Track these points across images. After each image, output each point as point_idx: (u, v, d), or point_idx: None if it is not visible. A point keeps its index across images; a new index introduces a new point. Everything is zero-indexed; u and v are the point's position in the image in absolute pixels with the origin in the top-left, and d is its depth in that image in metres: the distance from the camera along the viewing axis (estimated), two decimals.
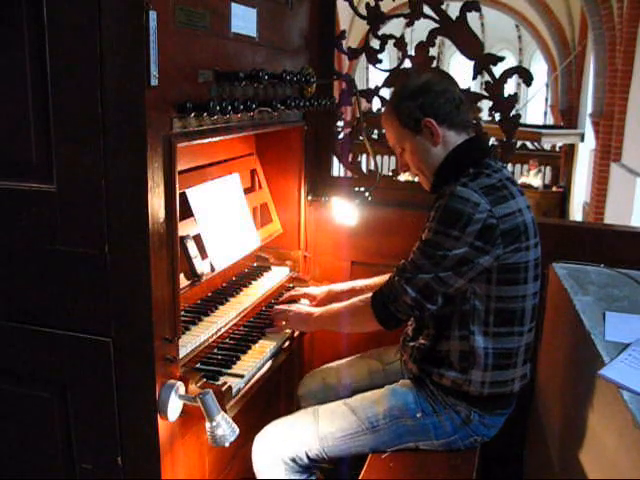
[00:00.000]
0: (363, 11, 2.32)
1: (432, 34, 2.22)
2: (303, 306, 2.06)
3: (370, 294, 1.71)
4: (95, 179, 1.30)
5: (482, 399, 1.66)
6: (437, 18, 2.19)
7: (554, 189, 12.21)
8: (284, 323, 1.92)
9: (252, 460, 1.76)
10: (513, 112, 2.17)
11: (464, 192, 1.53)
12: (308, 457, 1.71)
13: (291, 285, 2.26)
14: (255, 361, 1.73)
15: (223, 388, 1.50)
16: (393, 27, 2.71)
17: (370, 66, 2.39)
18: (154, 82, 1.24)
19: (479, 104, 2.26)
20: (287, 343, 1.92)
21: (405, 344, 1.81)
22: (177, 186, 1.38)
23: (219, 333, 1.77)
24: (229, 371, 1.66)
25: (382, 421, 1.70)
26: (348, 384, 1.94)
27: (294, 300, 2.12)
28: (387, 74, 2.32)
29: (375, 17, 2.29)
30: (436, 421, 1.69)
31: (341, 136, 2.47)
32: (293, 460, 1.71)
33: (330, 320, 1.86)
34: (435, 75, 1.75)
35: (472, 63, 2.17)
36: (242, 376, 1.64)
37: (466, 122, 1.71)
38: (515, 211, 1.57)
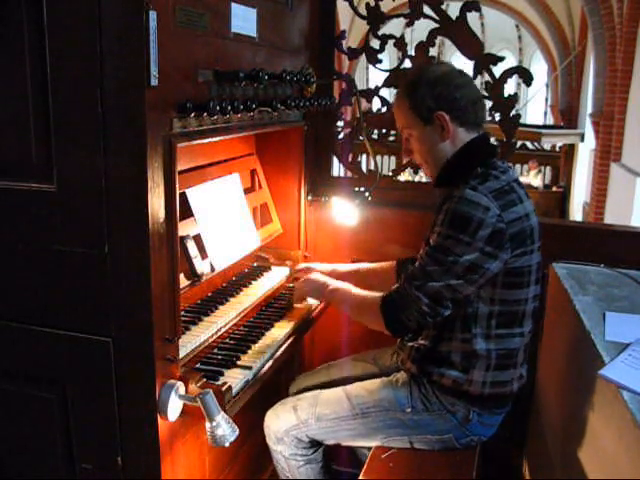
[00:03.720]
0: (363, 11, 2.32)
1: (432, 34, 2.22)
2: (321, 276, 2.03)
3: (379, 294, 1.68)
4: (95, 179, 1.30)
5: (482, 399, 1.67)
6: (437, 18, 2.19)
7: (554, 189, 12.22)
8: (302, 283, 1.97)
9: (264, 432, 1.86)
10: (513, 112, 2.17)
11: (474, 196, 1.51)
12: (308, 437, 1.78)
13: (291, 285, 2.26)
14: (256, 360, 1.73)
15: (223, 388, 1.49)
16: (393, 27, 2.71)
17: (370, 66, 2.39)
18: (154, 82, 1.24)
19: None
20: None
21: (403, 344, 1.81)
22: (177, 186, 1.38)
23: (219, 333, 1.77)
24: (229, 371, 1.66)
25: (372, 409, 1.73)
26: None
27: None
28: (387, 74, 2.32)
29: (375, 17, 2.29)
30: (427, 419, 1.70)
31: (341, 136, 2.47)
32: (297, 438, 1.79)
33: (341, 300, 1.85)
34: (455, 68, 1.70)
35: (472, 63, 2.17)
36: (242, 376, 1.64)
37: (479, 121, 1.67)
38: (522, 216, 1.55)
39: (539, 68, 15.01)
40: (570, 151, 12.08)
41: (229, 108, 1.47)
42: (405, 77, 1.75)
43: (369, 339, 2.13)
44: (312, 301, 2.08)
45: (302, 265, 2.17)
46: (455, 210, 1.52)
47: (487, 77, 2.17)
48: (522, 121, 9.04)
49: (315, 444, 1.82)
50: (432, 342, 1.69)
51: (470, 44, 2.17)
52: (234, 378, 1.62)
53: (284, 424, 1.80)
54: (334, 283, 1.90)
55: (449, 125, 1.62)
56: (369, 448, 1.80)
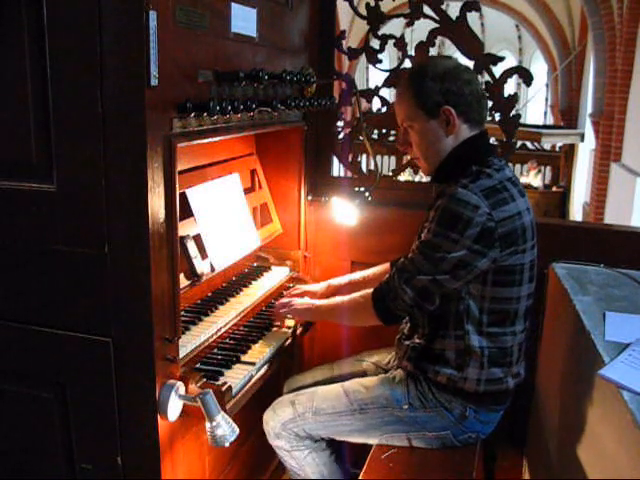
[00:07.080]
0: (363, 11, 2.32)
1: (432, 34, 2.22)
2: (306, 298, 2.04)
3: (370, 290, 1.72)
4: (95, 179, 1.30)
5: (478, 395, 1.67)
6: (437, 18, 2.19)
7: (554, 189, 12.21)
8: (286, 312, 1.93)
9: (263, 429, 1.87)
10: (513, 112, 2.17)
11: (464, 194, 1.52)
12: (305, 431, 1.79)
13: (291, 285, 2.26)
14: (255, 361, 1.73)
15: (223, 388, 1.50)
16: (393, 27, 2.71)
17: (370, 66, 2.39)
18: (154, 82, 1.24)
19: None
20: (289, 341, 1.93)
21: (400, 342, 1.82)
22: (177, 186, 1.38)
23: (219, 333, 1.77)
24: (229, 371, 1.66)
25: (370, 406, 1.74)
26: None
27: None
28: (387, 74, 2.32)
29: (375, 17, 2.29)
30: (425, 416, 1.70)
31: (341, 136, 2.46)
32: (294, 432, 1.80)
33: (331, 312, 1.88)
34: (461, 63, 1.69)
35: (472, 63, 2.17)
36: (242, 376, 1.64)
37: (482, 118, 1.67)
38: (514, 214, 1.56)
39: (539, 68, 15.00)
40: (570, 151, 12.07)
41: (229, 108, 1.47)
42: (410, 69, 1.72)
43: (369, 339, 2.13)
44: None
45: (298, 289, 2.12)
46: (445, 208, 1.54)
47: (487, 77, 2.17)
48: (522, 121, 9.04)
49: (314, 441, 1.82)
50: (427, 340, 1.70)
51: (470, 44, 2.17)
52: (234, 378, 1.63)
53: (281, 418, 1.80)
54: (317, 301, 1.94)
55: (455, 119, 1.62)
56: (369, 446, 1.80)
